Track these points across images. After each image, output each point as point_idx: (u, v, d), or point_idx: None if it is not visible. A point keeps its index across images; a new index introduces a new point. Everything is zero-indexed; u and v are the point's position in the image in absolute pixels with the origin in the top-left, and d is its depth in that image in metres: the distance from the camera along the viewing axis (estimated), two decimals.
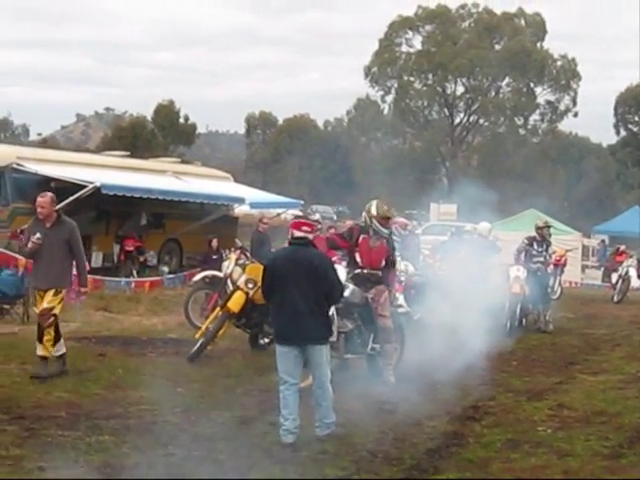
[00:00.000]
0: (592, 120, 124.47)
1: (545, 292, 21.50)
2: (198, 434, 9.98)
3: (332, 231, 18.38)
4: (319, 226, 18.13)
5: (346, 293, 13.28)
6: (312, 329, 9.75)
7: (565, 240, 36.34)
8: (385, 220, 14.11)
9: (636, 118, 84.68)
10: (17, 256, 19.77)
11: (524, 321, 21.03)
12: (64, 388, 11.90)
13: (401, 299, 15.06)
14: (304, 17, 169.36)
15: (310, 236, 10.18)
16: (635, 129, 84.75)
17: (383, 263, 13.82)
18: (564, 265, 28.93)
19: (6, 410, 10.47)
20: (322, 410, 9.87)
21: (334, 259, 14.12)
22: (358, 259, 13.88)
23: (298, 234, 10.08)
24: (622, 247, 35.51)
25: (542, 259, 21.30)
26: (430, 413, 11.61)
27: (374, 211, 14.06)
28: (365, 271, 13.71)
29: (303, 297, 9.69)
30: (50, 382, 12.23)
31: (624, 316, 25.21)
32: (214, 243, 24.08)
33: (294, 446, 9.52)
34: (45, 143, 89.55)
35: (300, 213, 31.33)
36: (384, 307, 13.59)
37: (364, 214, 14.38)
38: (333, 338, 12.98)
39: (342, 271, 13.47)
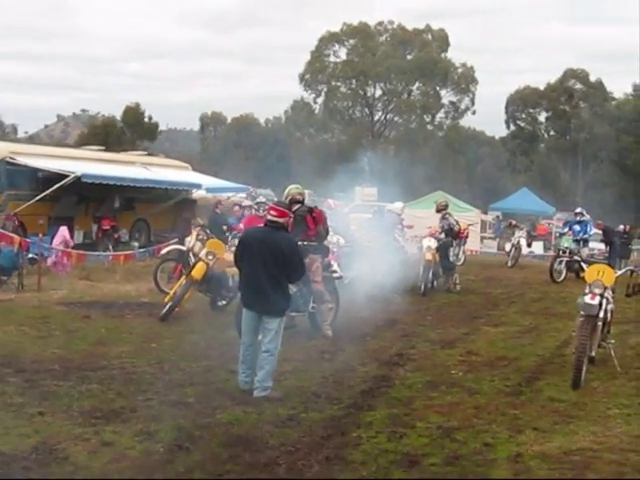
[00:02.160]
0: (487, 117, 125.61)
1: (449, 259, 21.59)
2: (171, 381, 9.93)
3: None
4: (264, 207, 17.91)
5: None
6: (271, 302, 9.53)
7: (467, 216, 36.50)
8: (292, 203, 13.76)
9: (523, 115, 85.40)
10: (12, 235, 19.51)
11: (435, 283, 21.14)
12: (57, 345, 11.77)
13: (335, 266, 15.02)
14: (249, 33, 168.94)
15: (281, 220, 9.84)
16: (522, 124, 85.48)
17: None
18: (466, 237, 29.08)
19: (8, 364, 10.33)
20: (262, 374, 9.50)
21: None
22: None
23: (270, 217, 9.89)
24: (514, 222, 35.86)
25: (441, 230, 21.37)
26: (362, 360, 11.68)
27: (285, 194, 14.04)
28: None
29: (267, 274, 9.49)
30: (44, 340, 12.10)
31: (517, 278, 25.46)
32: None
33: (251, 391, 9.46)
34: (31, 140, 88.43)
35: (246, 195, 31.44)
36: (316, 274, 13.55)
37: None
38: None
39: None
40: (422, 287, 19.94)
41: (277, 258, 9.55)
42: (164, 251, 19.69)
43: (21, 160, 24.95)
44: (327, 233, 14.56)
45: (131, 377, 10.06)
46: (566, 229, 26.00)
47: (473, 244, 36.89)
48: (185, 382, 9.93)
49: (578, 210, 26.47)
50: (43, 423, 7.97)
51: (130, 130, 76.74)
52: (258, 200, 20.28)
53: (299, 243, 13.55)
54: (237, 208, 22.29)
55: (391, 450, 7.66)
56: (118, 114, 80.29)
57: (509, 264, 29.83)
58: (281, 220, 9.86)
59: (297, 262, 9.85)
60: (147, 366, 10.71)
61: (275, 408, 8.90)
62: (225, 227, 20.60)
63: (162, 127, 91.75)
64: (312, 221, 13.82)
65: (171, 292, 15.25)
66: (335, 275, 14.59)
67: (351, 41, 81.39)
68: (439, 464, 7.35)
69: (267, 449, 7.58)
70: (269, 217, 9.95)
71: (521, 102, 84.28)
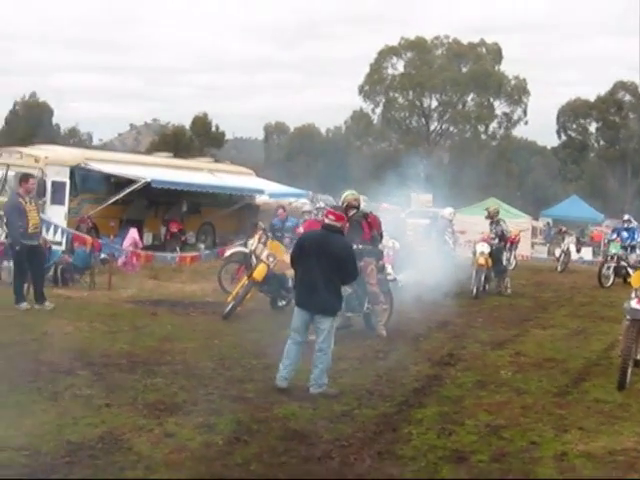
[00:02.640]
0: (539, 127, 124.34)
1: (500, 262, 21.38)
2: (232, 377, 9.94)
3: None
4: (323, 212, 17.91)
5: None
6: (325, 302, 9.47)
7: (518, 222, 36.19)
8: (349, 208, 13.80)
9: (574, 126, 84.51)
10: (85, 236, 19.75)
11: (487, 287, 20.96)
12: (125, 340, 11.84)
13: (389, 269, 14.96)
14: (310, 47, 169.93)
15: (338, 224, 9.77)
16: (573, 134, 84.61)
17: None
18: (518, 242, 28.84)
19: (79, 358, 10.41)
20: (317, 372, 9.45)
21: None
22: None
23: (327, 221, 9.83)
24: (564, 228, 35.46)
25: (493, 235, 21.18)
26: (415, 360, 11.60)
27: (341, 200, 14.28)
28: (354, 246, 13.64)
29: (322, 275, 9.41)
30: (113, 336, 12.20)
31: (566, 283, 25.16)
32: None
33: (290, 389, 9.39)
34: (105, 147, 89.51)
35: (307, 200, 31.38)
36: (370, 276, 13.54)
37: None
38: None
39: None
40: (474, 290, 19.79)
41: (332, 260, 9.49)
42: (228, 253, 19.73)
43: (95, 166, 25.27)
44: (381, 237, 14.53)
45: (194, 372, 10.07)
46: (614, 235, 25.68)
47: (524, 249, 36.53)
48: (245, 378, 9.92)
49: (626, 217, 26.13)
50: (109, 414, 8.02)
51: (198, 138, 77.33)
52: (318, 205, 20.27)
53: (354, 247, 13.56)
54: (281, 211, 21.97)
55: (440, 446, 7.58)
56: (187, 123, 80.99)
57: (559, 269, 29.52)
58: (338, 224, 9.78)
59: (351, 265, 9.78)
60: (209, 362, 10.72)
61: (330, 404, 8.86)
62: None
63: (229, 136, 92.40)
64: (367, 226, 13.83)
65: (233, 292, 15.27)
66: (389, 278, 14.56)
67: (408, 54, 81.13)
68: (486, 461, 7.26)
69: (321, 443, 7.55)
70: (326, 221, 9.88)
71: (572, 113, 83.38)
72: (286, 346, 9.61)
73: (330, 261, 9.48)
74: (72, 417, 7.83)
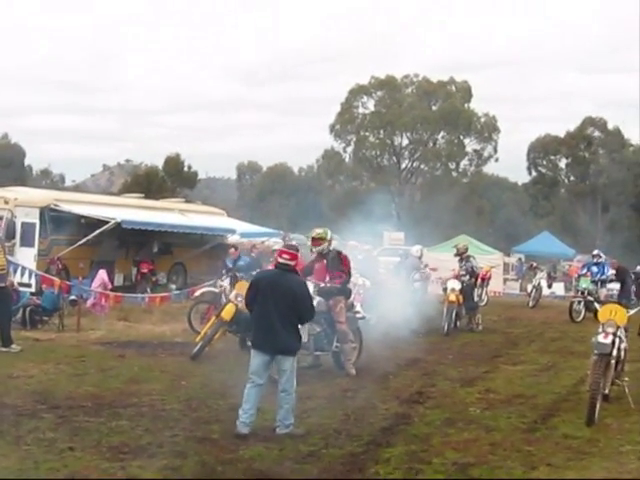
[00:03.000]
0: (509, 164, 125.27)
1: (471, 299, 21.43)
2: (198, 418, 9.86)
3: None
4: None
5: (314, 303, 13.23)
6: (283, 342, 9.36)
7: (490, 258, 36.35)
8: (314, 240, 14.08)
9: (544, 162, 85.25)
10: (53, 278, 19.60)
11: (458, 323, 20.98)
12: (91, 383, 11.73)
13: (358, 307, 14.93)
14: (281, 87, 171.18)
15: (292, 263, 9.70)
16: (543, 170, 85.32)
17: (327, 278, 13.73)
18: (489, 278, 28.95)
19: (43, 401, 10.30)
20: (283, 412, 9.34)
21: (308, 278, 14.01)
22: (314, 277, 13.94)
23: (281, 260, 9.71)
24: (534, 264, 35.66)
25: (464, 272, 21.22)
26: (383, 398, 11.55)
27: (310, 237, 14.39)
28: (322, 285, 13.67)
29: (279, 314, 9.31)
30: (80, 378, 12.07)
31: (537, 318, 25.24)
32: None
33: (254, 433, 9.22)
34: (78, 189, 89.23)
35: (280, 240, 31.32)
36: (340, 314, 13.56)
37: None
38: (304, 339, 12.91)
39: (311, 286, 13.41)
40: (445, 327, 19.80)
41: (288, 299, 9.39)
42: (198, 293, 19.66)
43: (65, 207, 25.14)
44: (350, 276, 14.52)
45: (160, 414, 9.98)
46: (584, 270, 25.78)
47: (496, 285, 36.64)
48: (211, 419, 9.84)
49: (595, 252, 26.30)
50: (72, 458, 7.91)
51: (171, 179, 77.26)
52: (289, 244, 20.21)
53: (322, 285, 13.60)
54: (232, 250, 21.61)
55: None
56: (160, 163, 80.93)
57: (530, 304, 29.64)
58: (291, 262, 9.69)
59: (308, 303, 9.71)
60: (176, 403, 10.63)
61: (296, 444, 8.78)
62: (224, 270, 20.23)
63: (201, 175, 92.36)
64: (344, 260, 13.91)
65: (202, 332, 15.20)
66: (358, 316, 14.51)
67: (379, 93, 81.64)
68: None
69: None
70: (280, 260, 9.75)
71: (542, 149, 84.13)
72: (245, 390, 9.40)
73: (286, 300, 9.38)
74: (34, 461, 7.72)
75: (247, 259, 20.56)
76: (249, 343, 15.41)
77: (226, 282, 17.93)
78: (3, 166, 73.27)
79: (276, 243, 29.88)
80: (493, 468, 8.14)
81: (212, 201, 57.16)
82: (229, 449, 8.50)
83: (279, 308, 9.34)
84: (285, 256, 9.73)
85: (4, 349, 14.28)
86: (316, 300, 13.20)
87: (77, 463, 7.74)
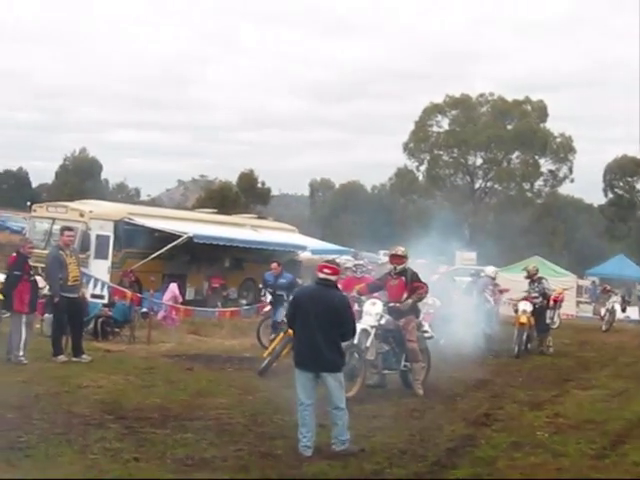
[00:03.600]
0: (585, 185, 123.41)
1: (543, 322, 21.12)
2: (263, 433, 9.85)
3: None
4: (362, 269, 17.89)
5: (382, 321, 13.23)
6: (327, 359, 9.20)
7: (563, 281, 35.88)
8: (394, 258, 14.06)
9: (621, 183, 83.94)
10: (126, 290, 19.89)
11: (529, 345, 20.69)
12: (158, 395, 11.83)
13: (427, 326, 14.82)
14: (355, 104, 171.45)
15: (333, 278, 9.55)
16: (620, 192, 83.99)
17: (404, 296, 13.67)
18: (562, 301, 28.48)
19: (111, 411, 10.42)
20: (338, 429, 9.20)
21: (375, 295, 13.99)
22: (386, 295, 13.90)
23: (322, 275, 9.51)
24: (608, 287, 35.07)
25: (537, 294, 20.92)
26: (450, 419, 11.42)
27: (390, 254, 14.34)
28: (391, 304, 13.63)
29: (321, 331, 9.14)
30: (147, 390, 12.19)
31: (611, 342, 24.78)
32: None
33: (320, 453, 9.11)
34: (153, 203, 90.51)
35: (351, 258, 31.25)
36: (411, 333, 13.50)
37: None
38: (372, 357, 12.90)
39: (379, 305, 13.38)
40: (516, 349, 19.54)
41: (331, 315, 9.24)
42: (267, 308, 19.73)
43: (138, 220, 25.56)
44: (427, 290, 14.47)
45: (225, 428, 10.00)
46: None
47: (569, 308, 36.09)
48: (276, 434, 9.82)
49: None
50: (137, 468, 7.97)
51: (244, 194, 77.86)
52: (356, 262, 20.17)
53: (393, 305, 13.56)
54: (275, 265, 20.54)
55: None
56: (234, 179, 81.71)
57: (603, 328, 29.15)
58: (333, 278, 9.56)
59: (349, 320, 9.52)
60: (242, 418, 10.65)
61: (360, 462, 8.73)
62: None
63: (275, 192, 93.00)
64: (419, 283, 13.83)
65: (270, 347, 15.25)
66: (426, 335, 14.40)
67: (453, 112, 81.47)
68: None
69: None
70: (321, 275, 9.53)
71: (619, 170, 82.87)
72: (298, 414, 9.25)
73: (328, 316, 9.23)
74: (99, 470, 7.81)
75: (290, 276, 19.40)
76: None
77: (267, 299, 18.16)
78: (81, 179, 74.81)
79: (347, 261, 29.86)
80: None
81: (285, 217, 57.47)
82: (292, 465, 8.49)
83: (321, 324, 9.16)
84: (326, 271, 9.52)
85: (75, 359, 14.50)
86: (385, 318, 13.23)
87: (141, 474, 7.80)
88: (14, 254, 14.87)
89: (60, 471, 7.67)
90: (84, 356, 14.65)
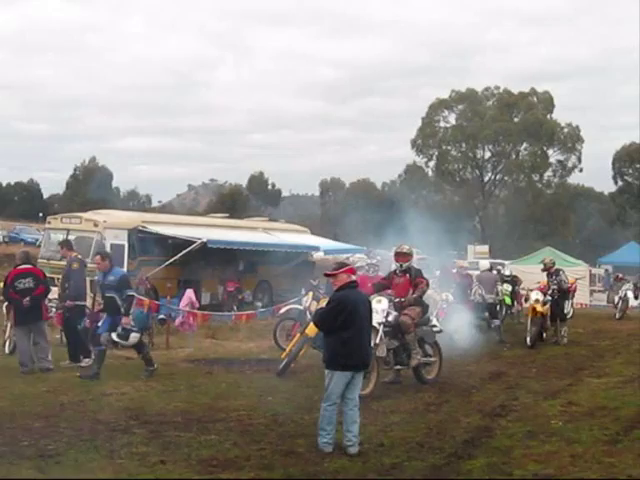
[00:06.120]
0: (594, 173, 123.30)
1: (561, 312, 21.28)
2: (284, 432, 10.09)
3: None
4: (375, 268, 18.06)
5: (389, 318, 13.44)
6: (369, 358, 9.71)
7: (576, 270, 36.05)
8: (399, 256, 14.29)
9: (630, 171, 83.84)
10: (143, 298, 20.11)
11: (545, 335, 20.89)
12: (180, 399, 12.07)
13: (435, 320, 15.01)
14: (362, 103, 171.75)
15: (358, 279, 9.94)
16: (630, 179, 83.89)
17: (410, 292, 13.90)
18: (574, 291, 28.65)
19: (135, 417, 10.65)
20: (356, 427, 9.31)
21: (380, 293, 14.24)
22: (392, 292, 14.10)
23: (350, 280, 9.62)
24: (620, 275, 35.16)
25: (556, 286, 21.05)
26: (466, 412, 11.63)
27: (392, 252, 14.59)
28: (396, 300, 13.85)
29: (367, 331, 9.60)
30: (169, 394, 12.45)
31: (624, 330, 24.82)
32: None
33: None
34: (164, 209, 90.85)
35: (364, 256, 31.45)
36: (411, 311, 13.69)
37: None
38: (383, 354, 13.12)
39: (385, 302, 13.61)
40: (528, 339, 19.72)
41: (369, 314, 9.76)
42: (283, 310, 19.95)
43: (152, 228, 25.82)
44: (428, 286, 14.69)
45: (247, 428, 10.24)
46: None
47: (582, 297, 36.27)
48: (297, 433, 10.05)
49: None
50: (164, 471, 8.22)
51: (255, 197, 78.36)
52: (369, 261, 20.39)
53: (396, 300, 13.85)
54: (98, 258, 19.94)
55: None
56: (244, 182, 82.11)
57: (617, 316, 29.19)
58: (358, 279, 9.89)
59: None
60: (262, 418, 10.88)
61: (380, 457, 8.96)
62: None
63: (285, 193, 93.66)
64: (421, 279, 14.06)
65: (287, 349, 15.48)
66: (435, 329, 14.58)
67: (460, 106, 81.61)
68: None
69: None
70: (353, 278, 9.73)
71: (628, 158, 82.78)
72: (325, 413, 9.35)
73: (369, 317, 9.73)
74: (128, 474, 8.05)
75: (120, 272, 15.18)
76: None
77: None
78: (92, 188, 75.21)
79: (360, 259, 30.05)
80: None
81: (296, 218, 57.73)
82: (314, 462, 8.71)
83: (366, 325, 9.57)
84: (352, 275, 9.77)
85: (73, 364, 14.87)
86: (392, 315, 13.44)
87: (169, 476, 8.04)
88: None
89: (90, 476, 7.92)
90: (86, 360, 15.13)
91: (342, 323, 9.33)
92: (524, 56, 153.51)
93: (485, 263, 23.90)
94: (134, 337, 14.21)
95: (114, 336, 14.06)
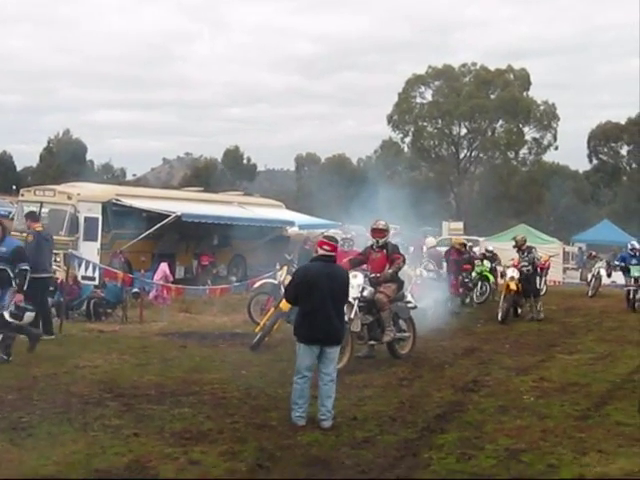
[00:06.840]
0: (570, 151, 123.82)
1: (535, 288, 21.47)
2: (257, 406, 10.13)
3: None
4: (349, 243, 18.01)
5: (365, 293, 13.48)
6: (338, 332, 9.54)
7: (549, 248, 36.27)
8: (375, 231, 14.35)
9: (605, 149, 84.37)
10: (117, 271, 20.06)
11: (519, 311, 21.12)
12: (154, 372, 12.07)
13: (409, 296, 15.06)
14: (339, 77, 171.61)
15: (333, 254, 9.77)
16: (604, 158, 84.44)
17: (386, 267, 13.94)
18: (548, 268, 28.81)
19: (109, 390, 10.66)
20: (331, 401, 9.37)
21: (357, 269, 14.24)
22: (368, 267, 14.14)
23: (323, 252, 9.68)
24: (593, 253, 35.46)
25: (526, 263, 21.21)
26: (438, 387, 11.74)
27: (372, 228, 14.57)
28: (372, 275, 13.90)
29: (334, 306, 9.41)
30: (143, 368, 12.45)
31: (596, 307, 25.09)
32: None
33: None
34: (138, 182, 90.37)
35: (339, 231, 31.47)
36: (386, 289, 13.72)
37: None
38: (357, 328, 13.17)
39: (360, 277, 13.64)
40: (500, 315, 19.92)
41: (343, 289, 9.71)
42: (257, 284, 19.97)
43: (126, 201, 25.69)
44: (404, 262, 14.74)
45: (220, 402, 10.28)
46: (619, 262, 25.55)
47: (556, 275, 36.52)
48: (270, 406, 10.10)
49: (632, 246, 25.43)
50: (137, 443, 8.23)
51: (230, 171, 78.10)
52: (344, 236, 20.43)
53: (372, 275, 13.89)
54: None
55: (459, 470, 7.71)
56: (219, 156, 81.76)
57: (589, 294, 29.48)
58: (333, 253, 9.82)
59: (347, 291, 10.12)
60: (236, 391, 10.92)
61: (352, 431, 9.02)
62: None
63: (260, 168, 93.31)
64: (397, 254, 14.10)
65: (261, 323, 15.52)
66: (410, 305, 14.64)
67: (436, 83, 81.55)
68: None
69: (342, 469, 7.71)
70: (321, 251, 9.74)
71: (603, 136, 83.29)
72: (296, 386, 9.42)
73: (341, 290, 9.64)
74: (101, 447, 8.05)
75: (14, 242, 14.01)
76: None
77: None
78: (66, 161, 74.67)
79: (335, 234, 30.05)
80: (544, 454, 8.28)
81: (272, 193, 57.62)
82: (287, 435, 8.76)
83: (334, 299, 9.46)
84: (326, 247, 9.75)
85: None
86: (367, 290, 13.49)
87: (142, 448, 8.06)
88: None
89: (63, 449, 7.93)
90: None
91: (302, 294, 9.52)
92: (504, 33, 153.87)
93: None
94: (29, 316, 12.88)
95: (6, 315, 12.62)
